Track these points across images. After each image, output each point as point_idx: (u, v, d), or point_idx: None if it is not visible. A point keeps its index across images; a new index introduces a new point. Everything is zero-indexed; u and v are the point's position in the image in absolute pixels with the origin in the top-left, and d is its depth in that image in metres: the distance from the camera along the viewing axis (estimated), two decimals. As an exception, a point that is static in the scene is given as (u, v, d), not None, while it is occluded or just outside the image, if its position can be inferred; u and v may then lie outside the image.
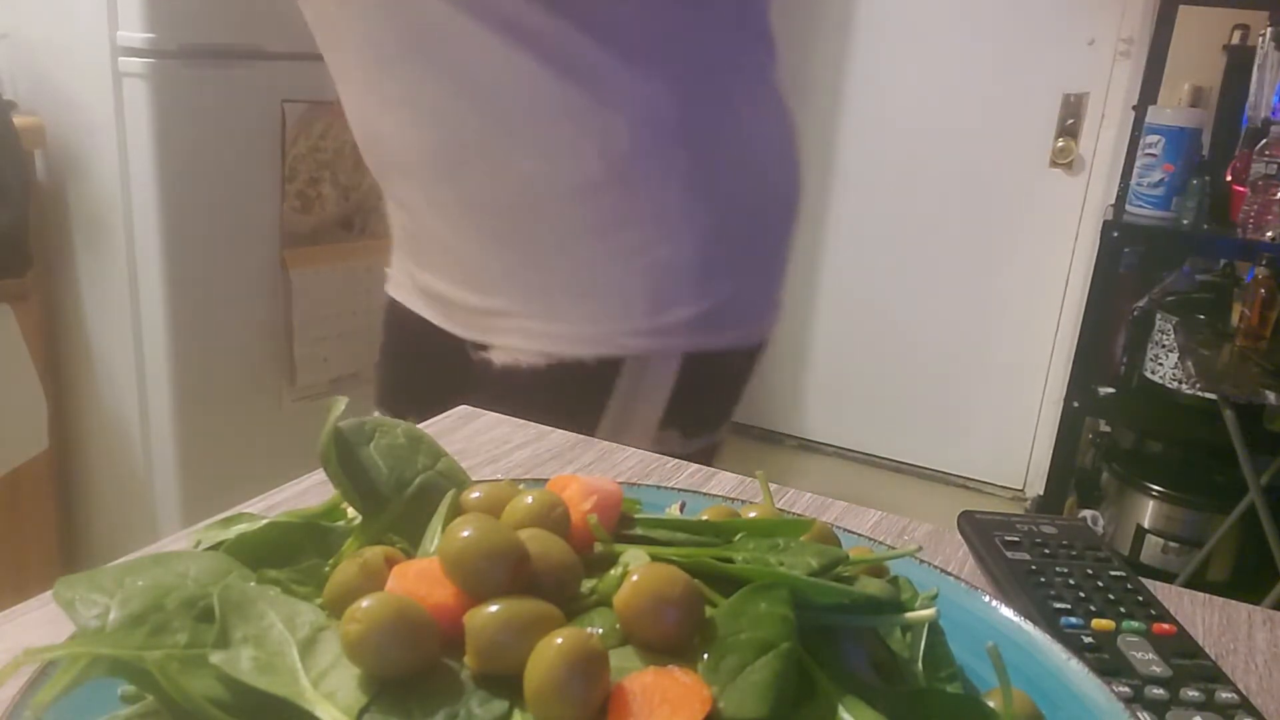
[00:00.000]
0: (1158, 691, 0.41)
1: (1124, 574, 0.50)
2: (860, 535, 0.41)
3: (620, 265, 0.78)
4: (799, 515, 0.39)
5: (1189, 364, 1.93)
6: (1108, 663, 0.43)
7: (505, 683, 0.27)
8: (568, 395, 0.80)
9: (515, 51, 0.74)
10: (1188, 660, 0.43)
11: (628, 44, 0.76)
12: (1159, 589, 0.51)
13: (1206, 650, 0.44)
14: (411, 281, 0.91)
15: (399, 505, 0.35)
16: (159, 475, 1.78)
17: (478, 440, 0.66)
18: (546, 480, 0.37)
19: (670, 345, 0.79)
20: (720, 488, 0.61)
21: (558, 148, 0.76)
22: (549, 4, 0.73)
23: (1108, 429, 2.61)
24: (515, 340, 0.81)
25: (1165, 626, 0.45)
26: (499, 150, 0.77)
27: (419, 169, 0.81)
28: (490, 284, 0.82)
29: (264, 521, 0.35)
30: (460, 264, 0.83)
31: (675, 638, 0.29)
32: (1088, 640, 0.44)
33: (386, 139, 0.82)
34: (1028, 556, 0.51)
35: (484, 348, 0.83)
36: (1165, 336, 2.22)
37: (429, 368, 0.92)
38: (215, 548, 0.33)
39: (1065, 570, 0.50)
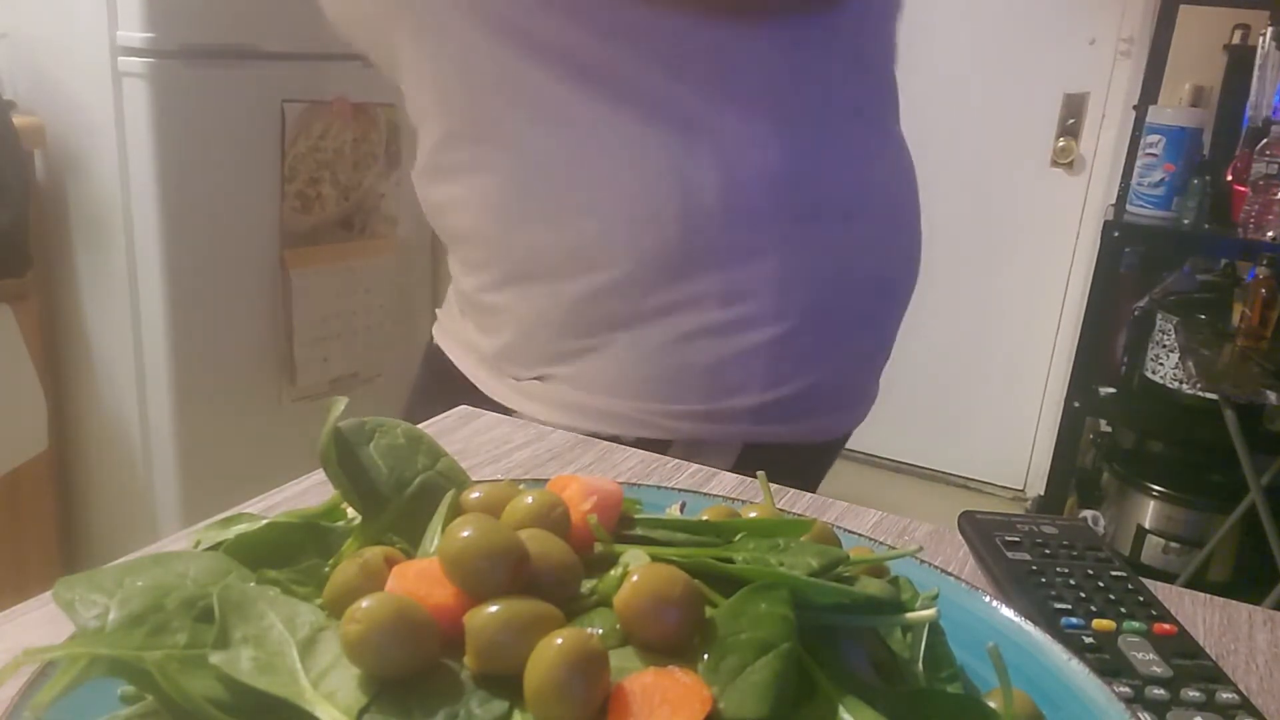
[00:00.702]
0: (1158, 692, 0.41)
1: (1124, 574, 0.50)
2: (860, 535, 0.41)
3: (684, 345, 0.67)
4: (799, 515, 0.39)
5: (1189, 364, 1.93)
6: (1108, 663, 0.42)
7: (505, 683, 0.27)
8: None
9: (580, 90, 0.63)
10: (1188, 660, 0.43)
11: (720, 81, 0.64)
12: (1159, 589, 0.51)
13: (1207, 650, 0.44)
14: (460, 335, 0.83)
15: (399, 505, 0.35)
16: (159, 475, 1.78)
17: (478, 440, 0.66)
18: (546, 480, 0.37)
19: (727, 434, 0.69)
20: (720, 488, 0.61)
21: (627, 204, 0.65)
22: (607, 32, 0.62)
23: (1108, 429, 2.61)
24: (543, 411, 0.71)
25: (1166, 627, 0.45)
26: (561, 208, 0.68)
27: (479, 237, 0.73)
28: (543, 354, 0.72)
29: (264, 521, 0.35)
30: (516, 331, 0.73)
31: (675, 638, 0.29)
32: (1088, 640, 0.44)
33: (451, 205, 0.74)
34: (1028, 556, 0.51)
35: (513, 411, 0.74)
36: (1166, 336, 2.22)
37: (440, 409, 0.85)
38: (215, 548, 0.33)
39: (1066, 570, 0.50)
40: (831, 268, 0.69)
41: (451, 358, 0.83)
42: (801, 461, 0.73)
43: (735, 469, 0.63)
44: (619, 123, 0.65)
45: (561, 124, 0.66)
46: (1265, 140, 2.09)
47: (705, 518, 0.37)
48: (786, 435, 0.70)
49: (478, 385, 0.78)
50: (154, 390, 1.73)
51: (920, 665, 0.34)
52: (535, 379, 0.73)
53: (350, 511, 0.37)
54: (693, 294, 0.66)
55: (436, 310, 0.91)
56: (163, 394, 1.73)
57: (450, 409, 0.81)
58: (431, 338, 0.88)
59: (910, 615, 0.33)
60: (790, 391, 0.69)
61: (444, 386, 0.82)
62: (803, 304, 0.67)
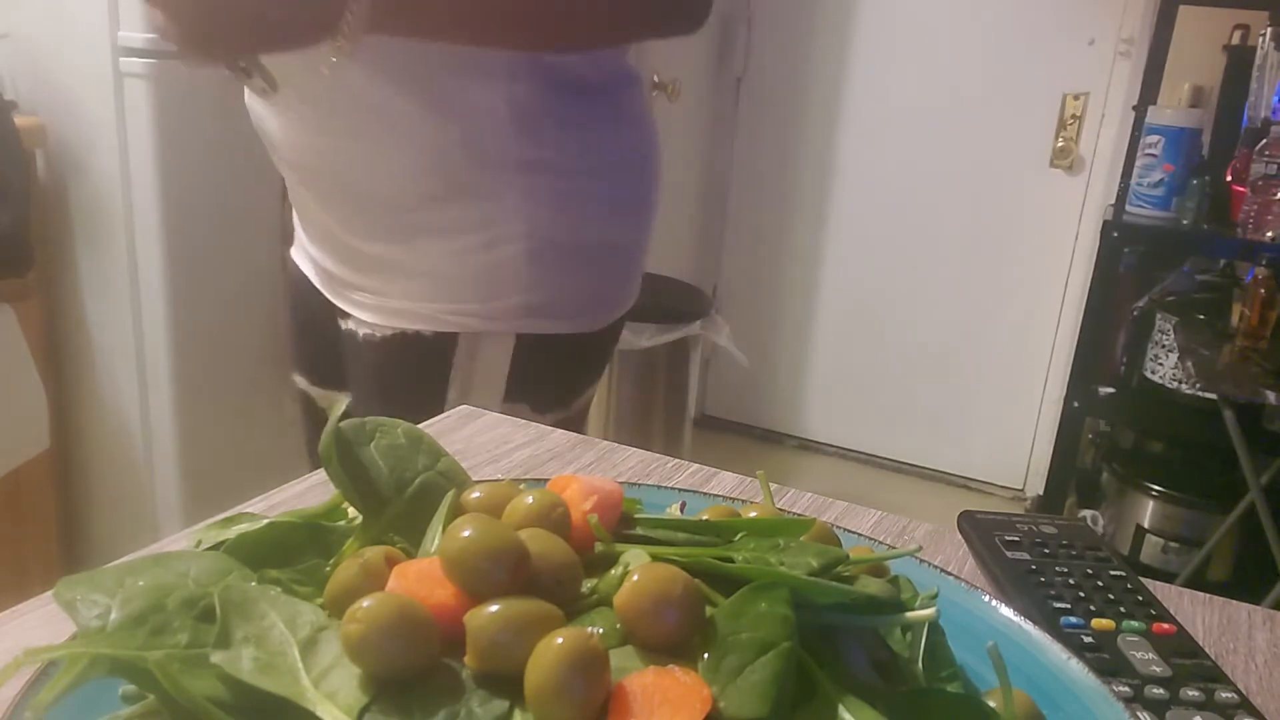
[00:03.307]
0: (1158, 691, 0.41)
1: (1124, 574, 0.50)
2: (860, 535, 0.41)
3: (456, 260, 0.87)
4: (799, 515, 0.39)
5: (1189, 364, 1.93)
6: (1108, 662, 0.43)
7: (505, 683, 0.27)
8: (412, 365, 0.91)
9: (372, 70, 0.81)
10: (1188, 660, 0.43)
11: (465, 59, 0.82)
12: (1159, 589, 0.51)
13: (1206, 650, 0.44)
14: (304, 249, 1.00)
15: (399, 505, 0.35)
16: (160, 475, 1.78)
17: (478, 440, 0.66)
18: (547, 480, 0.37)
19: (501, 327, 0.88)
20: (720, 488, 0.61)
21: (402, 163, 0.85)
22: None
23: (1108, 429, 2.61)
24: (369, 315, 0.91)
25: (1165, 626, 0.45)
26: (361, 162, 0.86)
27: (305, 168, 0.91)
28: (360, 265, 0.91)
29: (265, 521, 0.35)
30: (338, 246, 0.92)
31: (675, 638, 0.29)
32: (1088, 640, 0.44)
33: (284, 141, 0.91)
34: (1028, 556, 0.51)
35: (347, 317, 0.93)
36: (1165, 336, 2.22)
37: (314, 329, 1.01)
38: (215, 548, 0.34)
39: (1065, 570, 0.50)
40: (561, 207, 0.88)
41: (301, 268, 1.01)
42: (570, 348, 0.93)
43: (515, 354, 0.89)
44: (388, 93, 0.84)
45: (353, 97, 0.85)
46: (1265, 140, 2.08)
47: (705, 517, 0.37)
48: (550, 327, 0.90)
49: (319, 287, 0.97)
50: (155, 390, 1.73)
51: (920, 665, 0.34)
52: (353, 286, 0.92)
53: (351, 511, 0.37)
54: (456, 218, 0.86)
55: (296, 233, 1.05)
56: (164, 394, 1.73)
57: (306, 319, 1.02)
58: (292, 259, 1.05)
59: (910, 615, 0.33)
60: (546, 294, 0.88)
61: (299, 295, 1.02)
62: (542, 230, 0.87)
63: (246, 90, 0.89)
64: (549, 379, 0.94)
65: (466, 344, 0.89)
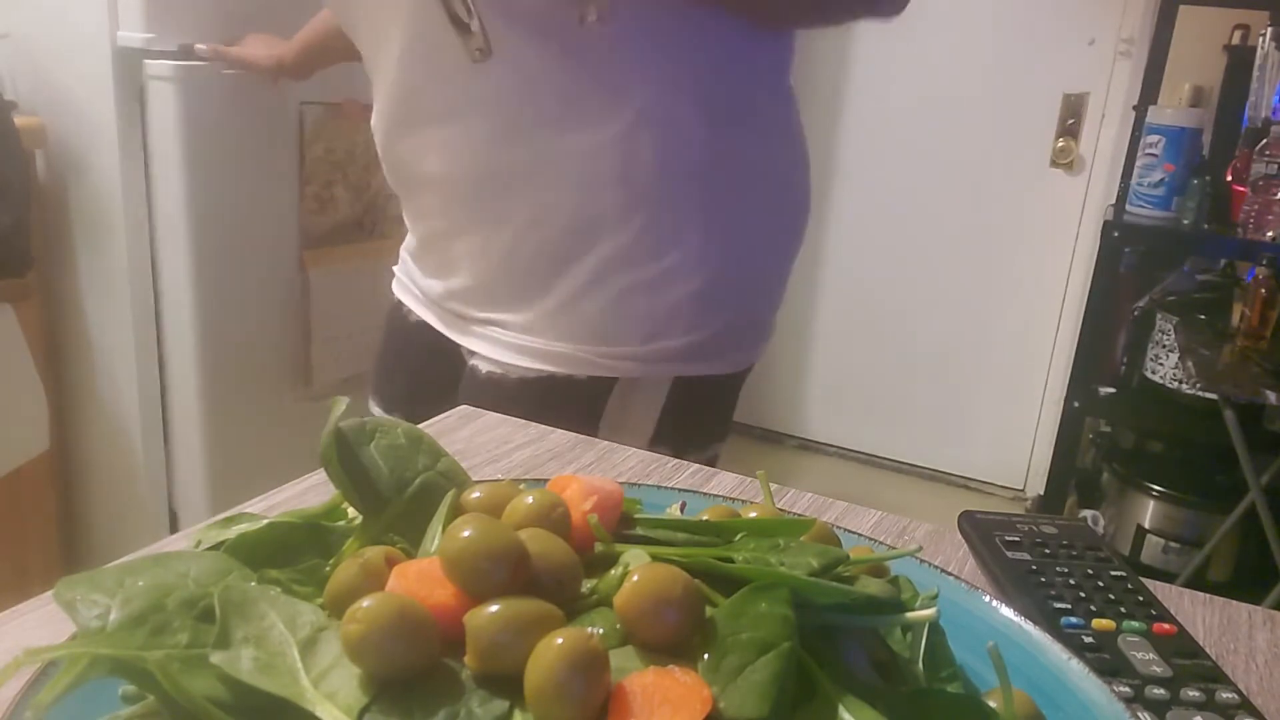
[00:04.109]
0: (1158, 691, 0.41)
1: (1124, 574, 0.50)
2: (860, 535, 0.41)
3: (623, 298, 0.80)
4: (799, 515, 0.39)
5: (1189, 364, 1.93)
6: (1108, 663, 0.43)
7: (505, 683, 0.27)
8: (556, 409, 0.79)
9: (544, 65, 0.75)
10: (1188, 660, 0.43)
11: (659, 76, 0.76)
12: (1159, 589, 0.51)
13: (1207, 650, 0.44)
14: (416, 285, 0.93)
15: (399, 505, 0.35)
16: (160, 475, 1.78)
17: (478, 440, 0.66)
18: (547, 480, 0.37)
19: (661, 371, 0.82)
20: (720, 488, 0.61)
21: (576, 168, 0.78)
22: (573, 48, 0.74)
23: (1108, 429, 2.61)
24: (505, 354, 0.83)
25: (1166, 626, 0.45)
26: (522, 175, 0.79)
27: (443, 186, 0.83)
28: (495, 298, 0.84)
29: (264, 521, 0.35)
30: (471, 275, 0.85)
31: (675, 638, 0.29)
32: (1088, 640, 0.44)
33: (413, 156, 0.84)
34: (1028, 556, 0.51)
35: (474, 354, 0.86)
36: (1165, 336, 2.22)
37: (423, 370, 0.94)
38: (215, 548, 0.34)
39: (1065, 570, 0.50)
40: (738, 231, 0.82)
41: (410, 306, 0.94)
42: (721, 390, 0.88)
43: (667, 399, 0.83)
44: (578, 104, 0.77)
45: (522, 101, 0.78)
46: (1265, 140, 2.08)
47: (705, 517, 0.37)
48: (708, 369, 0.84)
49: (435, 326, 0.91)
50: (155, 390, 1.73)
51: (920, 665, 0.34)
52: (488, 322, 0.85)
53: (351, 511, 0.37)
54: (626, 249, 0.79)
55: (394, 268, 0.99)
56: (163, 394, 1.73)
57: (414, 361, 0.95)
58: (392, 293, 0.99)
59: (910, 615, 0.33)
60: (710, 333, 0.82)
61: (406, 336, 0.95)
62: (717, 261, 0.81)
63: (379, 110, 0.83)
64: (697, 420, 0.88)
65: (623, 389, 0.82)
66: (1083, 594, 0.48)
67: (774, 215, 0.86)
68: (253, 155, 1.71)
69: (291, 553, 0.34)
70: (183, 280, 1.68)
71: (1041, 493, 2.60)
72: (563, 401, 0.82)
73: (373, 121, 0.88)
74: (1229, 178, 2.24)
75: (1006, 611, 0.38)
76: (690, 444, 0.87)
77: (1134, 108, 2.40)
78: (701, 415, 0.88)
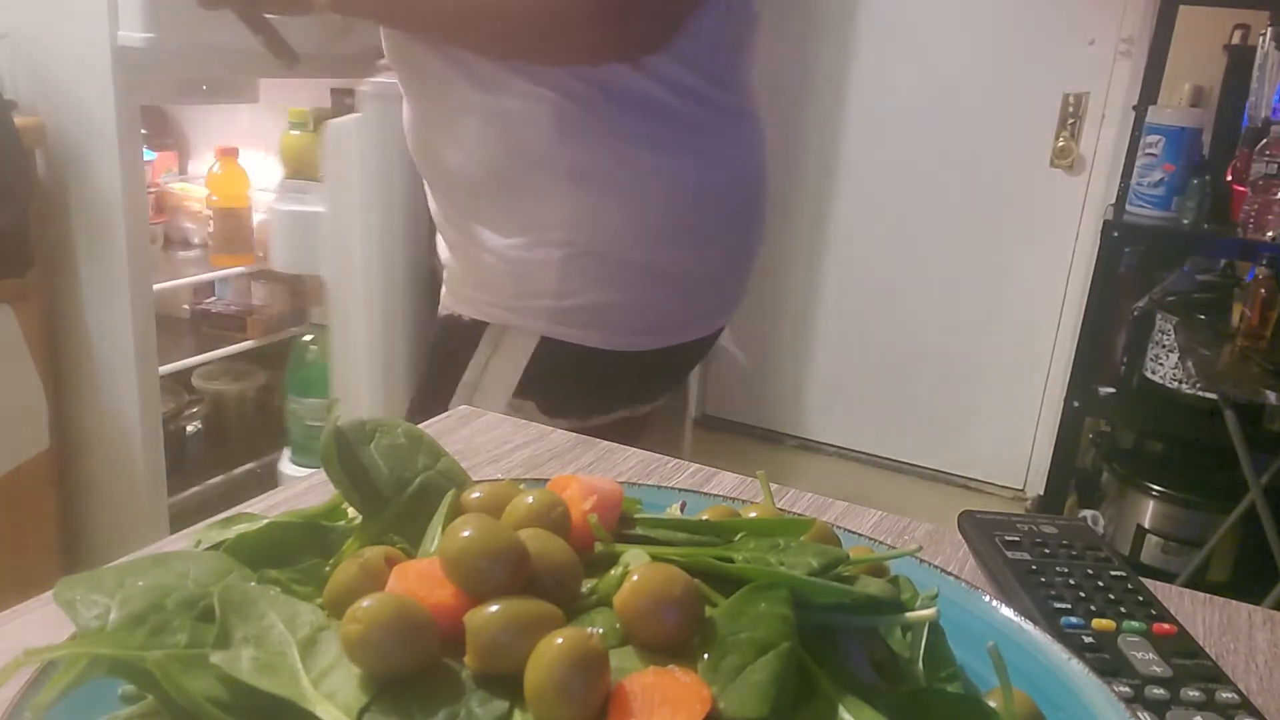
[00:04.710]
0: (1158, 691, 0.41)
1: (1124, 574, 0.50)
2: (860, 535, 0.41)
3: (498, 252, 0.92)
4: (799, 515, 0.39)
5: (1189, 364, 1.92)
6: (1108, 663, 0.43)
7: (505, 683, 0.27)
8: (450, 345, 0.97)
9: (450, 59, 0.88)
10: (1188, 660, 0.43)
11: (518, 80, 0.87)
12: (1159, 589, 0.51)
13: (1207, 650, 0.44)
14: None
15: (399, 505, 0.35)
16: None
17: (478, 440, 0.66)
18: (547, 480, 0.37)
19: (529, 324, 0.92)
20: (720, 488, 0.61)
21: (469, 151, 0.90)
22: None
23: (1108, 429, 2.61)
24: (445, 298, 1.00)
25: (1165, 626, 0.45)
26: (446, 145, 0.92)
27: (415, 152, 0.98)
28: (443, 250, 1.00)
29: (264, 521, 0.35)
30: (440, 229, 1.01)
31: (675, 638, 0.29)
32: (1088, 640, 0.44)
33: (408, 131, 0.99)
34: (1028, 556, 0.51)
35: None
36: (1165, 336, 2.22)
37: None
38: (215, 548, 0.33)
39: (1065, 570, 0.50)
40: (602, 220, 0.89)
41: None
42: (591, 362, 0.93)
43: (534, 355, 0.92)
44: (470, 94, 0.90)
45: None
46: (1265, 140, 2.08)
47: (705, 517, 0.37)
48: (575, 337, 0.92)
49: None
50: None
51: (920, 665, 0.34)
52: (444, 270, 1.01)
53: (351, 511, 0.37)
54: (504, 212, 0.91)
55: None
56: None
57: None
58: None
59: (910, 615, 0.33)
60: (575, 303, 0.90)
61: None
62: (580, 240, 0.89)
63: (405, 103, 0.97)
64: (563, 386, 0.95)
65: (492, 333, 0.94)
66: (1083, 594, 0.48)
67: (660, 215, 0.91)
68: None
69: (291, 553, 0.34)
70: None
71: (1041, 493, 2.60)
72: (452, 338, 0.96)
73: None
74: (1229, 177, 2.24)
75: (1006, 611, 0.38)
76: (559, 408, 0.94)
77: (1134, 107, 2.40)
78: (569, 382, 0.95)
